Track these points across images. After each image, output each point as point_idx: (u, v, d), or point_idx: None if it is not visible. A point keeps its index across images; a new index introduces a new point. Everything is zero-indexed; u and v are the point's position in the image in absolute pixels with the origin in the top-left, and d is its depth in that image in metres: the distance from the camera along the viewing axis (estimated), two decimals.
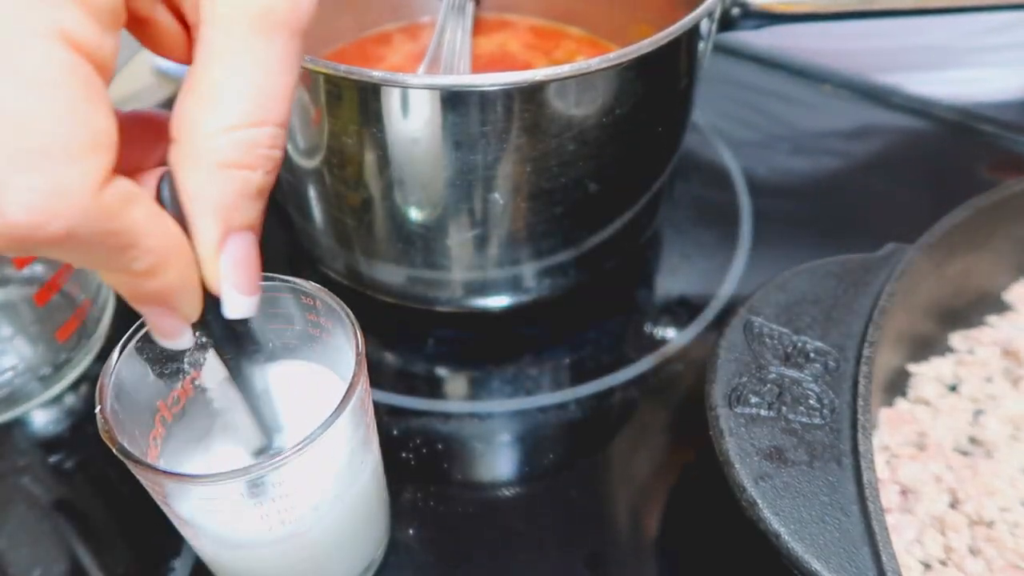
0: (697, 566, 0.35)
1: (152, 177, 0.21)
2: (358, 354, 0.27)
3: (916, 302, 0.37)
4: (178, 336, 0.23)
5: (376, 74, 0.32)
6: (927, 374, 0.38)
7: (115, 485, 0.37)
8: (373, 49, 0.50)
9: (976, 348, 0.39)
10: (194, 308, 0.22)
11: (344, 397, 0.25)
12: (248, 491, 0.25)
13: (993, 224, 0.39)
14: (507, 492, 0.37)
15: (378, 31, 0.51)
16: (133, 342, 0.27)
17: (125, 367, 0.27)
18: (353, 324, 0.27)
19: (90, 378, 0.42)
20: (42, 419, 0.40)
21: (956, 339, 0.40)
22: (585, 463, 0.38)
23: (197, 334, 0.23)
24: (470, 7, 0.48)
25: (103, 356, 0.42)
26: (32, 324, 0.40)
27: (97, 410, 0.25)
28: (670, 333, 0.44)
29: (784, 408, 0.31)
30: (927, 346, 0.39)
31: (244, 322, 0.25)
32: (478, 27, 0.50)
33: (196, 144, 0.20)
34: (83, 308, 0.41)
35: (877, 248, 0.37)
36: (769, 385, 0.31)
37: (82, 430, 0.39)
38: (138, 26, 0.22)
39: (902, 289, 0.35)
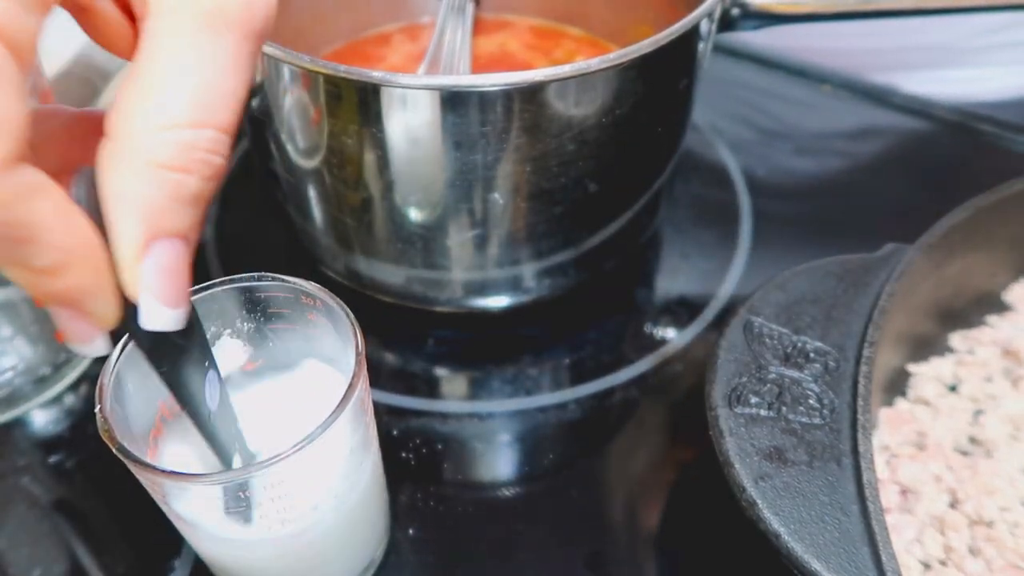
0: (697, 566, 0.35)
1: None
2: (358, 354, 0.27)
3: (916, 302, 0.37)
4: (89, 341, 0.21)
5: (376, 74, 0.32)
6: (927, 374, 0.38)
7: (115, 485, 0.37)
8: (373, 49, 0.50)
9: (976, 348, 0.39)
10: (108, 313, 0.20)
11: (344, 397, 0.25)
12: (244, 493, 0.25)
13: (993, 224, 0.39)
14: (507, 492, 0.37)
15: (378, 31, 0.51)
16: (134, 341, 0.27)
17: (125, 367, 0.26)
18: (353, 324, 0.27)
19: (90, 378, 0.42)
20: (42, 419, 0.40)
21: (956, 339, 0.40)
22: (585, 463, 0.38)
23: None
24: (470, 7, 0.48)
25: (103, 356, 0.42)
26: (32, 324, 0.40)
27: (97, 410, 0.25)
28: (670, 333, 0.44)
29: (784, 408, 0.31)
30: (927, 346, 0.39)
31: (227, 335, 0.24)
32: (478, 27, 0.50)
33: (129, 140, 0.19)
34: None
35: (877, 248, 0.37)
36: (769, 385, 0.31)
37: (82, 430, 0.39)
38: (80, 14, 0.21)
39: (902, 289, 0.35)
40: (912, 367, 0.38)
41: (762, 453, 0.29)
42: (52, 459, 0.38)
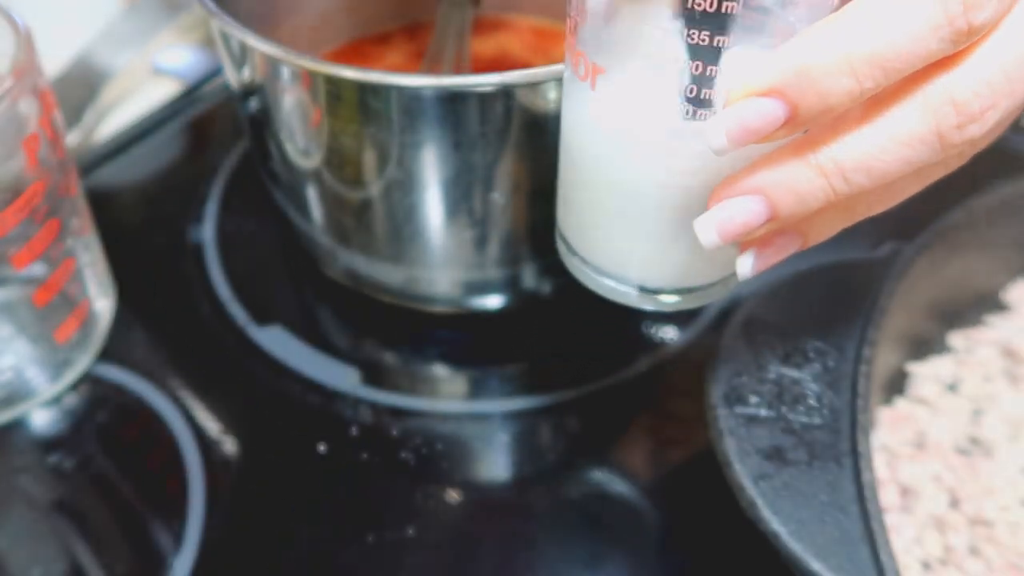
0: (697, 566, 0.35)
1: None
2: None
3: (915, 302, 0.37)
4: None
5: (376, 74, 0.32)
6: (926, 373, 0.38)
7: (115, 485, 0.37)
8: (373, 49, 0.50)
9: (975, 348, 0.39)
10: None
11: None
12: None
13: (993, 224, 0.39)
14: (507, 492, 0.37)
15: (378, 31, 0.51)
16: None
17: None
18: None
19: (90, 378, 0.42)
20: (42, 419, 0.40)
21: (955, 339, 0.40)
22: (585, 463, 0.38)
23: None
24: (469, 8, 0.48)
25: (103, 356, 0.42)
26: (31, 324, 0.40)
27: None
28: (670, 333, 0.44)
29: (783, 408, 0.31)
30: (926, 345, 0.39)
31: None
32: (477, 27, 0.50)
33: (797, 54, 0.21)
34: (82, 308, 0.41)
35: (876, 248, 0.37)
36: (768, 385, 0.31)
37: (82, 430, 0.39)
38: None
39: (901, 289, 0.35)
40: (911, 367, 0.38)
41: (762, 453, 0.29)
42: (52, 459, 0.38)
